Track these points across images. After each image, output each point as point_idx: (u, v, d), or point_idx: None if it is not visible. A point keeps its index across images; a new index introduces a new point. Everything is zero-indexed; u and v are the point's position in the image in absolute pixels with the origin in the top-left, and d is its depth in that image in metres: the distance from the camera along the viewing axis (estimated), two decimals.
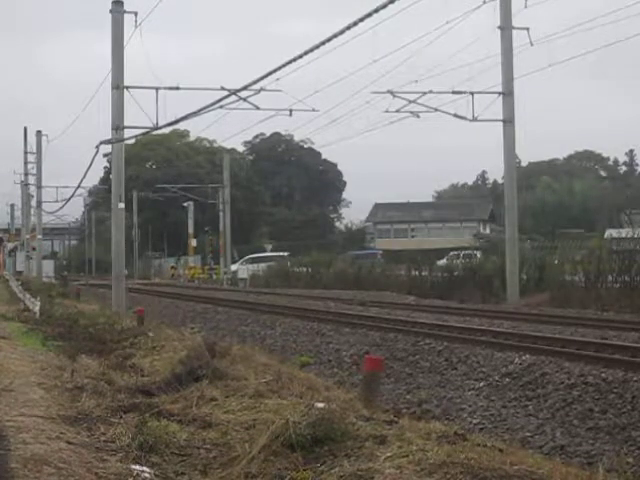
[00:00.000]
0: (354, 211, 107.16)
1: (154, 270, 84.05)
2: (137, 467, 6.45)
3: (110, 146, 30.75)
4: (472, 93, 32.25)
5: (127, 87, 28.70)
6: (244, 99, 27.48)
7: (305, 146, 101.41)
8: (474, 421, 12.34)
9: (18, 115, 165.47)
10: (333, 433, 6.55)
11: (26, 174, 68.77)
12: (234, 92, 24.69)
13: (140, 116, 28.76)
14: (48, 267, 71.26)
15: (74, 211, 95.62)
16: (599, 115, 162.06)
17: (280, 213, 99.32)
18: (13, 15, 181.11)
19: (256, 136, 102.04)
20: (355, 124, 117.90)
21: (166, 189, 72.81)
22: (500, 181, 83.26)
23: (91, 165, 34.61)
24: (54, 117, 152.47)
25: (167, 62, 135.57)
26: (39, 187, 64.00)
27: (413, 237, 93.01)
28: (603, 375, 12.60)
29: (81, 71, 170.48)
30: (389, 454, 6.01)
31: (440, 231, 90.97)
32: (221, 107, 24.96)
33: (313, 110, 30.74)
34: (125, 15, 28.37)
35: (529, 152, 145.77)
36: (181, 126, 71.96)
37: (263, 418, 7.42)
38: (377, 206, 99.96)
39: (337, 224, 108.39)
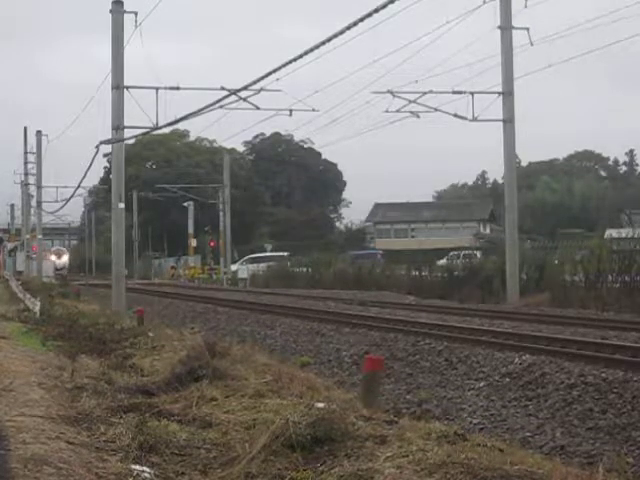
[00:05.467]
0: (354, 211, 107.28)
1: (154, 270, 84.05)
2: (137, 467, 6.46)
3: (110, 146, 30.75)
4: (472, 93, 32.27)
5: (127, 87, 28.69)
6: (244, 99, 27.49)
7: (305, 146, 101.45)
8: (474, 421, 12.33)
9: (18, 115, 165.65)
10: (333, 433, 6.55)
11: (26, 174, 68.79)
12: (234, 92, 24.68)
13: (140, 116, 28.79)
14: (48, 267, 71.24)
15: (74, 211, 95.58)
16: (599, 115, 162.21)
17: (280, 213, 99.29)
18: (13, 18, 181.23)
19: (256, 136, 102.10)
20: (355, 124, 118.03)
21: (166, 189, 72.81)
22: (500, 181, 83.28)
23: (91, 165, 34.60)
24: (54, 117, 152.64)
25: (167, 62, 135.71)
26: (39, 187, 63.99)
27: (413, 237, 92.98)
28: (603, 375, 12.59)
29: (81, 72, 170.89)
30: (389, 454, 6.01)
31: (440, 231, 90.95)
32: (221, 107, 24.95)
33: (313, 110, 30.81)
34: (125, 15, 28.37)
35: (529, 152, 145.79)
36: (181, 126, 72.22)
37: (263, 418, 7.42)
38: (377, 206, 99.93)
39: (337, 224, 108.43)
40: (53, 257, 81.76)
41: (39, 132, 63.65)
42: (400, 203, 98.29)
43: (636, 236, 35.44)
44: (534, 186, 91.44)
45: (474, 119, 32.57)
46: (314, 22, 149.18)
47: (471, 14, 29.56)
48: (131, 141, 49.49)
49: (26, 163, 67.89)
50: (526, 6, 29.85)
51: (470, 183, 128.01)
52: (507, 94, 32.04)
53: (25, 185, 70.40)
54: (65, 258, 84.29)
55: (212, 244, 71.18)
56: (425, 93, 32.37)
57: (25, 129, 67.66)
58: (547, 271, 34.48)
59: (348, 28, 12.38)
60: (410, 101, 32.56)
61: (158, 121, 28.19)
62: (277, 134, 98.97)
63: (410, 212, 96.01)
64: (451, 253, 56.01)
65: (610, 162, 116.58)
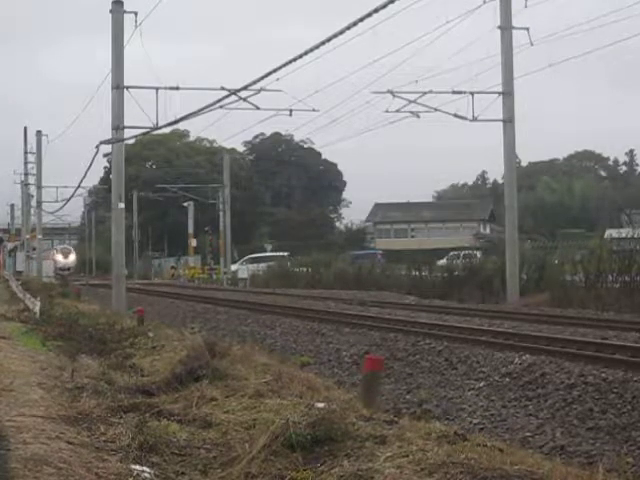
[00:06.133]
0: (354, 211, 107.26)
1: (154, 270, 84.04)
2: (137, 467, 6.45)
3: (110, 146, 30.75)
4: (472, 93, 32.25)
5: (127, 87, 28.69)
6: (244, 99, 27.48)
7: (305, 146, 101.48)
8: (474, 421, 12.33)
9: (18, 115, 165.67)
10: (333, 433, 6.55)
11: (26, 174, 68.80)
12: (234, 92, 24.68)
13: (140, 116, 28.78)
14: (48, 267, 71.15)
15: (74, 211, 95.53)
16: (599, 115, 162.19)
17: (280, 213, 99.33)
18: (14, 18, 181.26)
19: (256, 136, 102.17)
20: (355, 124, 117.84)
21: (166, 189, 72.85)
22: (500, 181, 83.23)
23: (91, 165, 34.68)
24: (54, 117, 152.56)
25: (167, 62, 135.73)
26: (39, 187, 64.01)
27: (413, 237, 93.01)
28: (603, 375, 12.59)
29: (81, 72, 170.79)
30: (389, 454, 6.01)
31: (440, 231, 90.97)
32: (221, 107, 24.93)
33: (313, 110, 30.78)
34: (125, 15, 28.36)
35: (529, 152, 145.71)
36: (181, 126, 72.20)
37: (263, 418, 7.42)
38: (377, 206, 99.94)
39: (337, 224, 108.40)
40: (60, 257, 79.57)
41: (39, 132, 63.74)
42: (400, 203, 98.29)
43: (636, 236, 35.45)
44: (534, 186, 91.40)
45: (474, 119, 32.56)
46: (314, 22, 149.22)
47: (471, 14, 29.62)
48: (131, 141, 49.49)
49: (26, 163, 67.95)
50: (526, 6, 29.91)
51: (470, 183, 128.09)
52: (507, 94, 32.04)
53: (25, 185, 70.40)
54: (72, 257, 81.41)
55: (211, 242, 71.13)
56: (425, 93, 32.40)
57: (25, 129, 67.76)
58: (547, 271, 34.49)
59: (348, 28, 12.39)
60: (410, 101, 32.56)
61: (158, 121, 28.20)
62: (277, 134, 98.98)
63: (410, 212, 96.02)
64: (451, 253, 55.97)
65: (610, 162, 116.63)
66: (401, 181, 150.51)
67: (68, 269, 77.09)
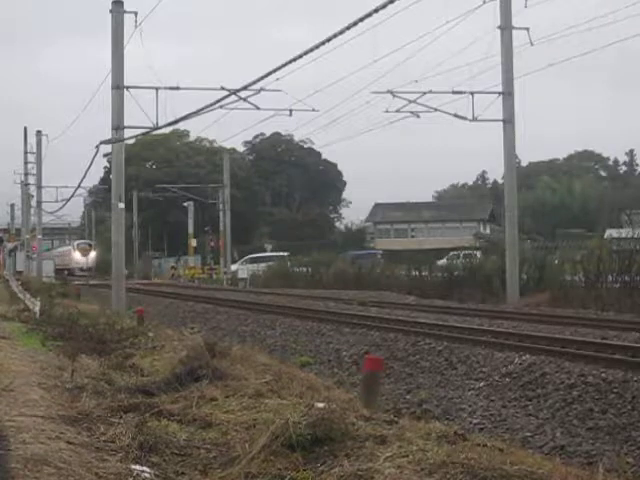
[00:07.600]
0: (354, 211, 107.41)
1: (154, 270, 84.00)
2: (137, 467, 6.45)
3: (110, 146, 30.78)
4: (472, 93, 32.26)
5: (127, 87, 28.71)
6: (244, 99, 27.49)
7: (305, 146, 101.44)
8: (474, 421, 12.33)
9: (18, 115, 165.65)
10: (333, 433, 6.55)
11: (26, 174, 68.73)
12: (234, 92, 24.70)
13: (140, 116, 28.82)
14: (48, 267, 71.09)
15: (74, 211, 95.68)
16: (599, 115, 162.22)
17: (280, 213, 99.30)
18: (14, 19, 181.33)
19: (256, 136, 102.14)
20: (355, 124, 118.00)
21: (166, 189, 72.83)
22: (500, 181, 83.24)
23: (91, 165, 34.77)
24: (54, 117, 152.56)
25: (167, 62, 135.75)
26: (39, 187, 63.98)
27: (413, 237, 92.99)
28: (603, 375, 12.59)
29: (81, 72, 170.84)
30: (389, 454, 6.01)
31: (440, 231, 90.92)
32: (221, 107, 24.98)
33: (313, 110, 30.80)
34: (125, 15, 28.39)
35: (529, 152, 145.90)
36: (181, 126, 72.19)
37: (263, 418, 7.42)
38: (377, 206, 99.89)
39: (337, 224, 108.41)
40: (77, 255, 76.14)
41: (39, 132, 63.68)
42: (400, 203, 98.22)
43: (636, 236, 35.44)
44: (534, 186, 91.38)
45: (474, 119, 32.56)
46: (315, 22, 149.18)
47: (471, 14, 29.59)
48: (131, 141, 49.53)
49: (26, 163, 67.88)
50: (526, 6, 29.91)
51: (470, 183, 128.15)
52: (507, 94, 32.02)
53: (25, 185, 70.34)
54: (92, 255, 76.82)
55: (212, 244, 71.16)
56: (425, 93, 32.39)
57: (25, 129, 67.67)
58: (547, 271, 34.48)
59: (348, 28, 12.40)
60: (410, 101, 32.56)
61: (158, 121, 28.24)
62: (277, 134, 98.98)
63: (410, 212, 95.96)
64: (451, 253, 55.91)
65: (610, 162, 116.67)
66: (401, 181, 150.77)
67: (88, 269, 73.17)
